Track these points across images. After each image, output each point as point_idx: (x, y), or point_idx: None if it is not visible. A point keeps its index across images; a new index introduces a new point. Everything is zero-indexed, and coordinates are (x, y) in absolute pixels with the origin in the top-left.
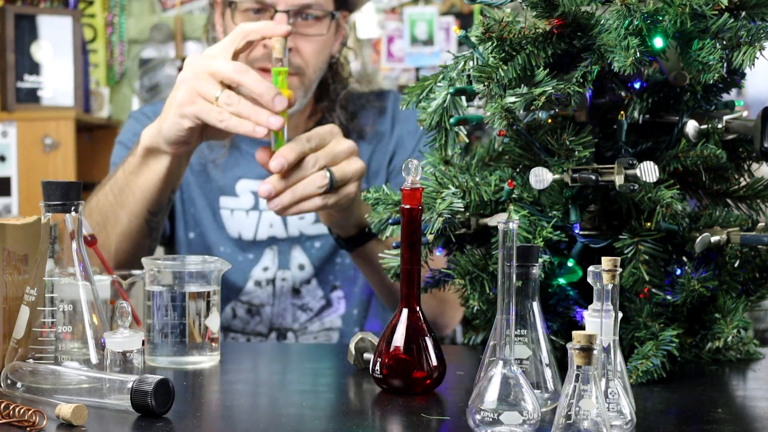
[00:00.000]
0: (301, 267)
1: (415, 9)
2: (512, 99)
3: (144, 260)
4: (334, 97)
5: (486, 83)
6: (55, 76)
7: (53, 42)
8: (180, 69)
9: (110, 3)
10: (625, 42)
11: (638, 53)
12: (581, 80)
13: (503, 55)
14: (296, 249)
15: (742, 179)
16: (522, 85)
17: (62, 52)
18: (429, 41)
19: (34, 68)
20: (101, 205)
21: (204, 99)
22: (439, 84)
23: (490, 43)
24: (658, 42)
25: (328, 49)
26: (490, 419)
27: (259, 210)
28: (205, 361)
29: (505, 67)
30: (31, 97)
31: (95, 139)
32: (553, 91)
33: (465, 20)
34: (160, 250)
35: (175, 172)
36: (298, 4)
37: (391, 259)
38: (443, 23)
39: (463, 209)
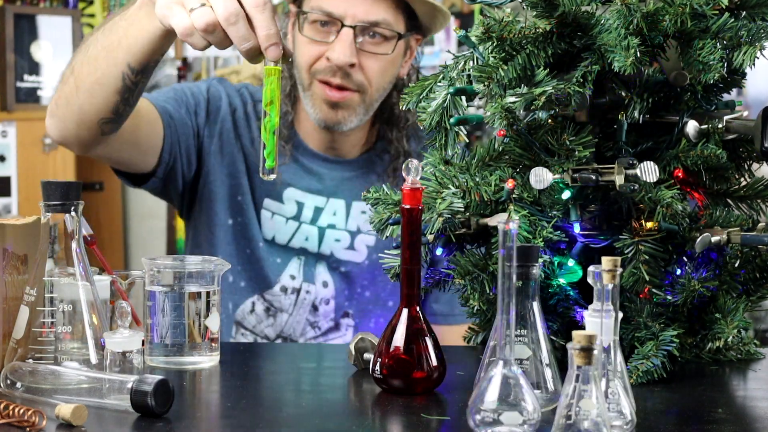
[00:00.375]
0: (325, 284)
1: None
2: (512, 99)
3: (144, 260)
4: (401, 124)
5: (486, 83)
6: (54, 75)
7: (53, 42)
8: (180, 69)
9: (110, 2)
10: (625, 42)
11: (638, 53)
12: (581, 80)
13: (503, 54)
14: (321, 265)
15: (742, 179)
16: (522, 85)
17: (62, 51)
18: (429, 41)
19: (34, 68)
20: (88, 45)
21: (180, 6)
22: (439, 84)
23: (490, 42)
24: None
25: (394, 70)
26: (491, 419)
27: (300, 221)
28: (205, 361)
29: (506, 67)
30: (30, 97)
31: None
32: (553, 91)
33: (465, 20)
34: (158, 246)
35: (166, 39)
36: (366, 21)
37: (391, 259)
38: None
39: (463, 209)
